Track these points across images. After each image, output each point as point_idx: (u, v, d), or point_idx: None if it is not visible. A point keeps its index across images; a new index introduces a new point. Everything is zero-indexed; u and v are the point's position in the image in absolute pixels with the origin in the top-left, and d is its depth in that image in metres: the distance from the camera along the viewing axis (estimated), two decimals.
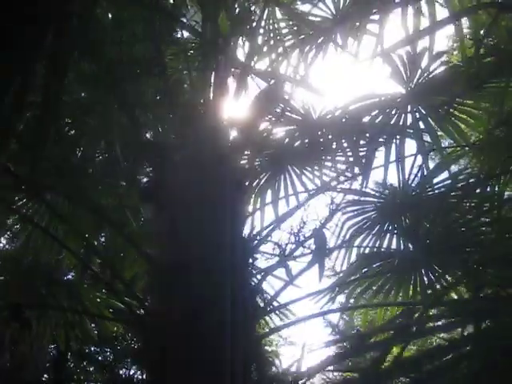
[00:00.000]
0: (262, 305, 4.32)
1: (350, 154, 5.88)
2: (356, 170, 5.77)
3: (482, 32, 4.78)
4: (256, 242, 4.55)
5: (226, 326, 4.00)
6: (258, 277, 4.49)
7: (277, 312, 4.92)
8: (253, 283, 4.39)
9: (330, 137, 5.93)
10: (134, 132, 4.82)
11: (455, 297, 5.64)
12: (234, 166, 4.81)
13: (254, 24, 5.51)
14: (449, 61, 5.30)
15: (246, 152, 5.29)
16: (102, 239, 5.45)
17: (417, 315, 4.93)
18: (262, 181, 5.84)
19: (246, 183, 5.00)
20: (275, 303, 4.66)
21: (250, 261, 4.42)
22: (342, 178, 5.88)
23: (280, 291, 4.49)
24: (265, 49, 5.80)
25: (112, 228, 4.63)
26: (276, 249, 4.56)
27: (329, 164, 6.05)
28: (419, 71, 5.23)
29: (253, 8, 5.52)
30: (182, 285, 4.16)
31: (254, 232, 4.63)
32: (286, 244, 4.59)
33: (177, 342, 4.07)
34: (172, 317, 4.14)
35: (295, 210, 5.09)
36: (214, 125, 4.92)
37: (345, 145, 5.86)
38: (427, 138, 5.57)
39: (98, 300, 5.47)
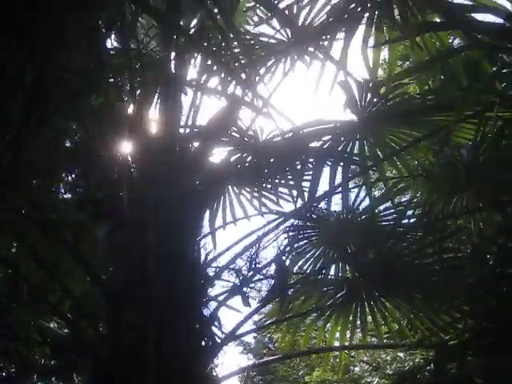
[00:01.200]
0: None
1: (294, 178, 5.83)
2: (299, 195, 5.72)
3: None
4: (213, 267, 4.38)
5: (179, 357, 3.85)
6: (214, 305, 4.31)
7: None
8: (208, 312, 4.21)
9: (275, 160, 5.84)
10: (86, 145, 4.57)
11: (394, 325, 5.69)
12: (189, 184, 4.63)
13: (208, 41, 5.36)
14: (405, 92, 5.33)
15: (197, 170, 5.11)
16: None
17: None
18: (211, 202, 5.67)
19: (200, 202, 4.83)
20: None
21: (207, 289, 4.26)
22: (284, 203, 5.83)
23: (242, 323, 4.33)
24: (215, 67, 5.65)
25: (62, 245, 4.32)
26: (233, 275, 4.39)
27: (269, 187, 5.99)
28: (375, 100, 5.24)
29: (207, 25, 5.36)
30: (135, 310, 3.97)
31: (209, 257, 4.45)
32: (242, 271, 4.43)
33: (127, 371, 3.86)
34: (123, 343, 3.94)
35: (247, 235, 4.94)
36: (166, 142, 4.74)
37: (290, 168, 5.81)
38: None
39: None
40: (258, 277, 4.63)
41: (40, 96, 3.76)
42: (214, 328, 4.14)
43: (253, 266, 4.47)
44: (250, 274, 4.51)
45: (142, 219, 4.19)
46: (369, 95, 5.19)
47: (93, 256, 4.30)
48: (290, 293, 5.48)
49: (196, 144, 5.04)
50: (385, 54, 5.27)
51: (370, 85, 5.07)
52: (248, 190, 6.02)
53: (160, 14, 4.44)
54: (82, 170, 4.66)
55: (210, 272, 4.39)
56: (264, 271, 4.60)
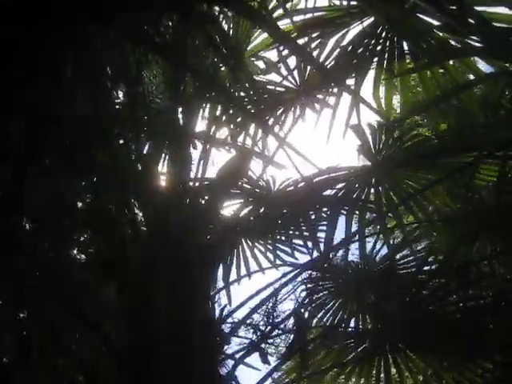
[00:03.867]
0: None
1: (306, 228, 5.67)
2: (314, 245, 5.56)
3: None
4: (228, 323, 4.19)
5: None
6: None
7: None
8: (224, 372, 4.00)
9: (286, 210, 5.70)
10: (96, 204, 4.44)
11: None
12: (200, 241, 4.48)
13: (215, 93, 5.27)
14: (419, 134, 5.20)
15: (209, 225, 4.96)
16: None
17: None
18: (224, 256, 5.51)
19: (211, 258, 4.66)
20: None
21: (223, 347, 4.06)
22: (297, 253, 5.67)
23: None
24: (224, 118, 5.56)
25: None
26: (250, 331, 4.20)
27: (283, 239, 5.83)
28: (388, 144, 5.11)
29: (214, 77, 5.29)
30: (144, 375, 3.79)
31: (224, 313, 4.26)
32: (259, 326, 4.24)
33: None
34: None
35: (263, 289, 4.76)
36: (176, 198, 4.60)
37: (302, 219, 5.66)
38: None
39: None
40: (275, 332, 4.41)
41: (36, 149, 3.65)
42: None
43: (270, 320, 4.27)
44: (267, 329, 4.30)
45: (153, 278, 4.04)
46: (382, 138, 5.06)
47: (102, 318, 4.11)
48: (309, 348, 5.27)
49: (206, 197, 4.89)
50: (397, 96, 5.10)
51: (383, 128, 4.94)
52: (262, 242, 5.85)
53: (172, 55, 4.33)
54: (92, 230, 4.51)
55: (226, 328, 4.18)
56: (282, 326, 4.38)
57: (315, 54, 4.91)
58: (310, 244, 5.62)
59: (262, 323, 4.31)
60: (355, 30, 4.69)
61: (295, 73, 5.28)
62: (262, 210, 5.73)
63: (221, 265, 5.55)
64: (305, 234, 5.73)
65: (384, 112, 4.81)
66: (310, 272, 5.45)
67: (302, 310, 4.77)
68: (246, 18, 4.88)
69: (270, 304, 4.36)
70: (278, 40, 4.61)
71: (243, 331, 4.31)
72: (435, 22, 4.08)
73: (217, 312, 4.28)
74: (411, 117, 5.06)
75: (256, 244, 5.84)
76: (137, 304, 3.98)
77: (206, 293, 4.36)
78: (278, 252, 5.74)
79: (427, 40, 4.42)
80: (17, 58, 3.27)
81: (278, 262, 5.66)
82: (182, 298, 4.03)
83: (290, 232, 5.81)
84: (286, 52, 5.08)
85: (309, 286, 5.49)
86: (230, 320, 4.24)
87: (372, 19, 4.50)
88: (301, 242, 5.76)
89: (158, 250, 4.21)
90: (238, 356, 4.17)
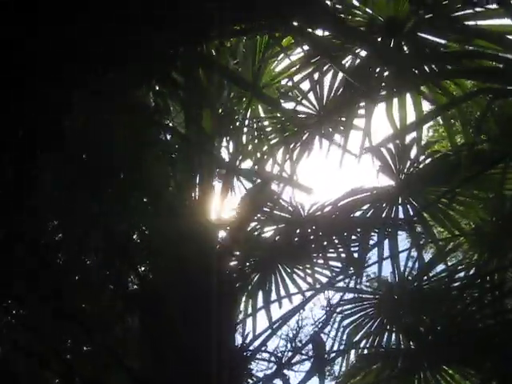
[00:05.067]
0: None
1: (341, 250, 5.71)
2: (349, 266, 5.60)
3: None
4: (250, 351, 4.27)
5: None
6: None
7: None
8: None
9: (320, 234, 5.75)
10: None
11: None
12: (223, 269, 4.59)
13: (238, 123, 5.42)
14: (437, 150, 5.20)
15: (234, 253, 5.08)
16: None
17: None
18: (252, 283, 5.60)
19: (236, 287, 4.78)
20: None
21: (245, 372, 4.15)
22: (335, 276, 5.68)
23: None
24: (249, 147, 5.70)
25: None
26: (272, 357, 4.26)
27: (321, 262, 5.87)
28: (408, 163, 5.14)
29: (236, 108, 5.45)
30: None
31: (247, 340, 4.35)
32: (283, 352, 4.30)
33: None
34: None
35: (289, 313, 4.83)
36: (201, 227, 4.74)
37: (336, 241, 5.70)
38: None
39: None
40: (298, 358, 4.47)
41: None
42: None
43: (292, 346, 4.34)
44: (289, 354, 4.37)
45: (175, 310, 4.17)
46: (402, 157, 5.09)
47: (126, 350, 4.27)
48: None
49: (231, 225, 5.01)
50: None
51: (401, 147, 4.97)
52: (300, 267, 5.89)
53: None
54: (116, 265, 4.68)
55: (249, 355, 4.27)
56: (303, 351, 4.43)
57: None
58: (345, 265, 5.66)
59: (284, 349, 4.36)
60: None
61: (312, 98, 5.37)
62: (295, 235, 5.80)
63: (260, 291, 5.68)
64: (342, 255, 5.77)
65: (399, 131, 4.84)
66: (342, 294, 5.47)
67: (321, 334, 4.75)
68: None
69: (294, 330, 4.41)
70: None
71: (267, 357, 4.34)
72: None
73: (240, 339, 4.36)
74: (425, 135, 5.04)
75: (292, 269, 5.89)
76: (160, 335, 4.11)
77: (231, 322, 4.46)
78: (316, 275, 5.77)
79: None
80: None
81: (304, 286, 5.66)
82: (204, 327, 4.15)
83: (328, 255, 5.85)
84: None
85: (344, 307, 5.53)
86: (253, 347, 4.30)
87: None
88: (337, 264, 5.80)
89: (181, 281, 4.35)
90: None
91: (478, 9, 3.92)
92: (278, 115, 5.70)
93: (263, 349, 4.27)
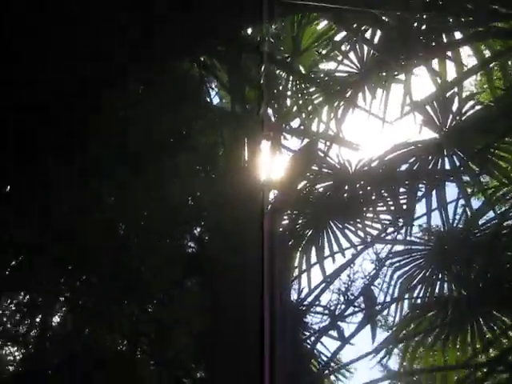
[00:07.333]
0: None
1: (390, 203, 5.82)
2: (399, 219, 5.72)
3: None
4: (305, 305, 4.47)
5: None
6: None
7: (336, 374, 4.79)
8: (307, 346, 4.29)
9: (368, 188, 5.87)
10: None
11: None
12: (275, 229, 4.77)
13: (281, 87, 5.55)
14: (479, 101, 5.23)
15: (286, 212, 5.26)
16: None
17: None
18: (306, 240, 5.77)
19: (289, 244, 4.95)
20: (333, 364, 4.54)
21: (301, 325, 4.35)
22: (385, 229, 5.81)
23: (336, 353, 4.38)
24: (294, 108, 5.82)
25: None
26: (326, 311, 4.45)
27: (371, 215, 5.99)
28: (451, 116, 5.19)
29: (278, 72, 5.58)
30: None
31: (303, 295, 4.54)
32: (336, 305, 4.48)
33: None
34: None
35: (342, 268, 5.00)
36: (252, 188, 4.91)
37: (384, 195, 5.81)
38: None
39: None
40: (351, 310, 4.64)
41: None
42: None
43: (346, 298, 4.51)
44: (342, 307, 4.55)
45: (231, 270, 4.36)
46: (444, 110, 5.14)
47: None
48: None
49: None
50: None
51: (442, 100, 5.03)
52: (351, 222, 6.03)
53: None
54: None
55: (304, 309, 4.46)
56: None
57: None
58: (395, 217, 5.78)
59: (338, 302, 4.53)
60: None
61: (353, 57, 5.45)
62: (344, 191, 5.93)
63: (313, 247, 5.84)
64: (391, 208, 5.88)
65: (440, 84, 4.89)
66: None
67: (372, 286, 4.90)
68: None
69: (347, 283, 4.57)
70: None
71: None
72: None
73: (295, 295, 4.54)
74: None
75: (343, 224, 6.03)
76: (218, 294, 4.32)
77: (286, 278, 4.65)
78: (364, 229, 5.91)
79: None
80: None
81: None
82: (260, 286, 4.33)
83: (377, 208, 5.97)
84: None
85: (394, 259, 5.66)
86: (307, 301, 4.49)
87: None
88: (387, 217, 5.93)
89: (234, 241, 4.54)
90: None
91: None
92: (322, 75, 5.79)
93: (317, 303, 4.42)
